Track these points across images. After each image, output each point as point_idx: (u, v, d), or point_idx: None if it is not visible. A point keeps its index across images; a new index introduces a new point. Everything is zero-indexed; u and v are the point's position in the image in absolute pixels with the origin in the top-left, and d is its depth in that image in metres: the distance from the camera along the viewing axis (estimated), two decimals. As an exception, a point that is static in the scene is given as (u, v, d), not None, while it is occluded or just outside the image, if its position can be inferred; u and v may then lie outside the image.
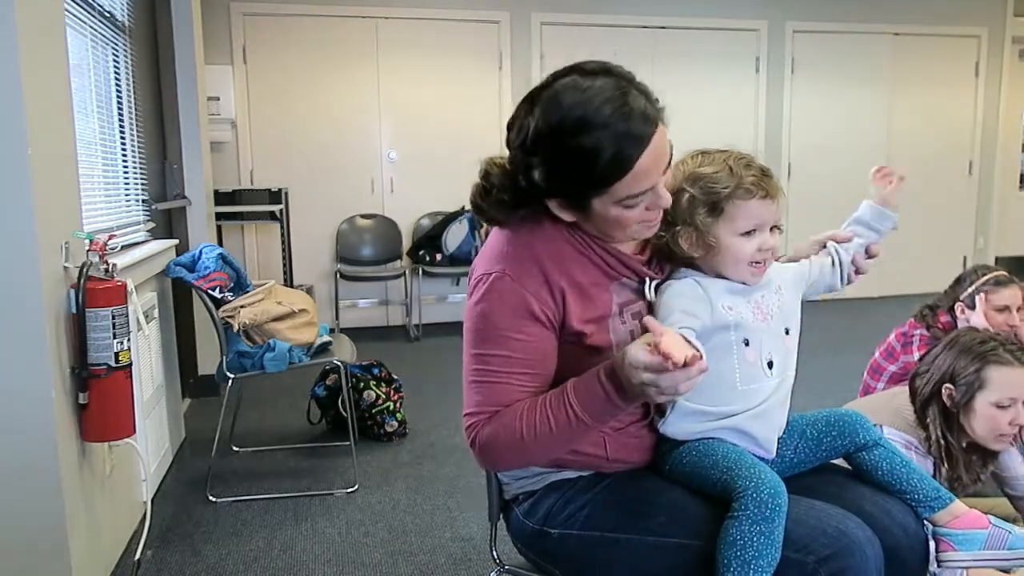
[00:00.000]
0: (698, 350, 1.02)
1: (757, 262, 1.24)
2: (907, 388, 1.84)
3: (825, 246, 1.42)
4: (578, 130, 1.10)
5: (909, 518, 1.26)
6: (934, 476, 1.71)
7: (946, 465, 1.70)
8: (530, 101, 1.17)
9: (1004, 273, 2.30)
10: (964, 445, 1.73)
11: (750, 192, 1.21)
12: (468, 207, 6.01)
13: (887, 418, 1.78)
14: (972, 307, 2.26)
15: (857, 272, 1.42)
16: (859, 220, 1.43)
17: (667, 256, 1.29)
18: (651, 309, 1.26)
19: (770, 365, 1.27)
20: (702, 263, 1.26)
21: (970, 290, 2.27)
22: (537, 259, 1.21)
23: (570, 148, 1.11)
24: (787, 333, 1.31)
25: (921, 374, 1.79)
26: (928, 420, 1.73)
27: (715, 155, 1.26)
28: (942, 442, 1.70)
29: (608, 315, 1.23)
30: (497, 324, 1.19)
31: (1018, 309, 2.24)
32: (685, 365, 0.98)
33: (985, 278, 2.27)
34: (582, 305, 1.22)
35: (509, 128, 1.21)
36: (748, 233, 1.22)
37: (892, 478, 1.28)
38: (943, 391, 1.72)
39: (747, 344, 1.24)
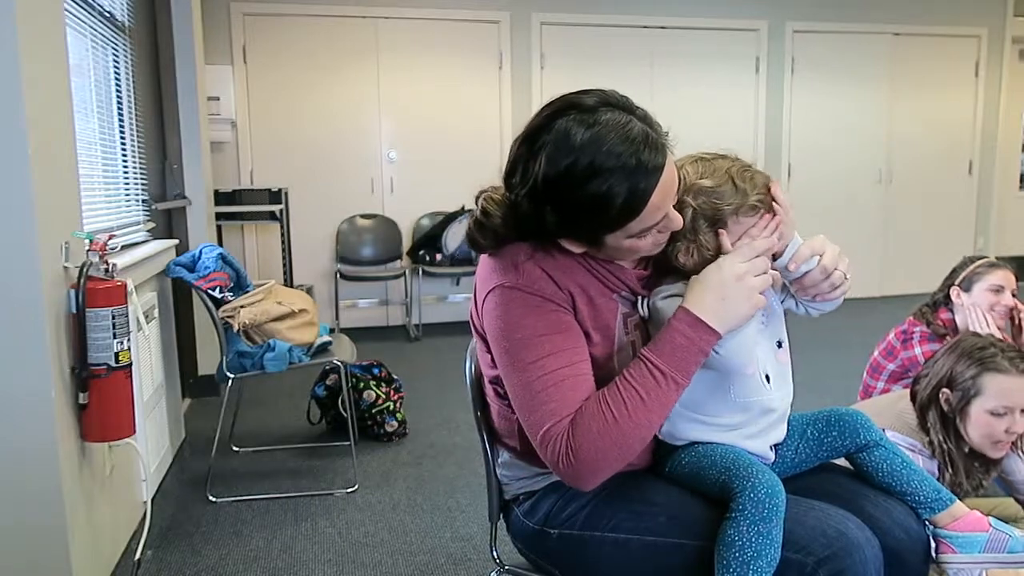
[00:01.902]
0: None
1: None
2: (910, 391, 1.84)
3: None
4: (589, 177, 1.07)
5: (910, 519, 1.26)
6: (938, 480, 1.70)
7: (950, 470, 1.69)
8: (529, 142, 1.13)
9: (995, 259, 2.36)
10: (967, 451, 1.73)
11: (755, 209, 1.18)
12: (468, 207, 6.00)
13: (890, 421, 1.78)
14: (967, 290, 2.29)
15: (817, 294, 1.28)
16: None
17: (667, 269, 1.26)
18: (646, 324, 1.26)
19: (767, 379, 1.26)
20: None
21: (964, 274, 2.32)
22: (542, 267, 1.20)
23: (582, 195, 1.09)
24: (779, 347, 1.31)
25: (922, 377, 1.79)
26: (929, 424, 1.72)
27: (715, 163, 1.21)
28: (944, 447, 1.70)
29: (610, 325, 1.23)
30: (529, 326, 1.16)
31: (1013, 293, 2.28)
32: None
33: (978, 263, 2.33)
34: (589, 310, 1.21)
35: (510, 172, 1.16)
36: None
37: (893, 479, 1.28)
38: (941, 395, 1.72)
39: None
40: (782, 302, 1.33)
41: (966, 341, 1.76)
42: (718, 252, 1.19)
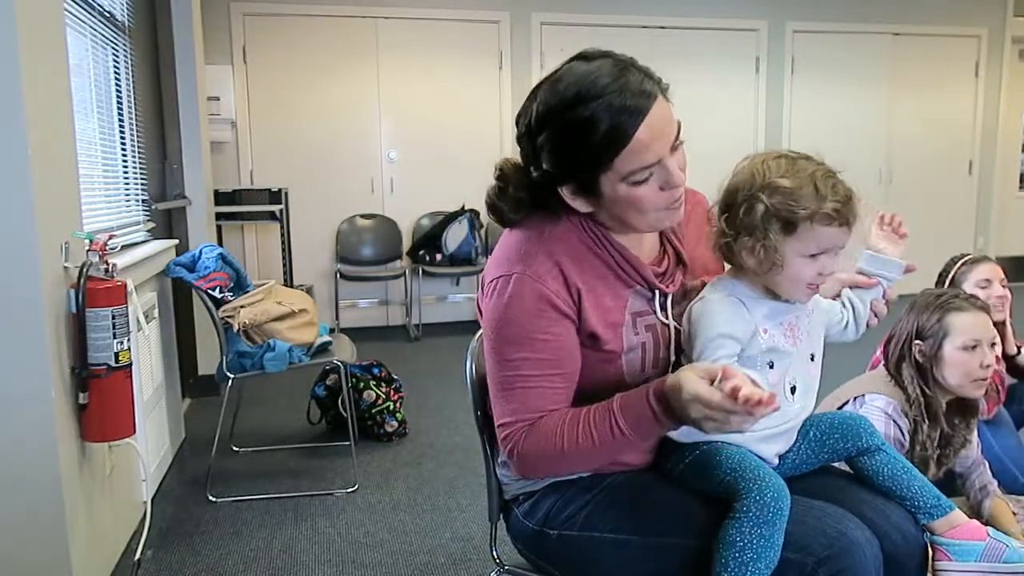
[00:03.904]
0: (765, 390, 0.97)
1: (813, 284, 1.19)
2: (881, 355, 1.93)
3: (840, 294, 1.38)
4: (575, 103, 1.11)
5: (908, 524, 1.26)
6: (913, 439, 1.76)
7: (927, 422, 1.76)
8: (533, 89, 1.19)
9: (978, 253, 2.39)
10: (945, 407, 1.81)
11: (830, 219, 1.13)
12: (468, 207, 5.97)
13: (867, 387, 1.85)
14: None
15: (875, 316, 1.38)
16: (864, 271, 1.37)
17: (725, 258, 1.24)
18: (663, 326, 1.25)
19: (792, 390, 1.25)
20: (756, 277, 1.21)
21: (951, 275, 2.33)
22: (554, 257, 1.20)
23: (568, 121, 1.12)
24: (812, 359, 1.29)
25: (891, 340, 1.88)
26: (905, 381, 1.80)
27: (799, 163, 1.17)
28: (921, 400, 1.77)
29: (621, 322, 1.23)
30: (522, 326, 1.17)
31: (1003, 284, 2.29)
32: (755, 404, 0.94)
33: (961, 262, 2.34)
34: (597, 309, 1.21)
35: (517, 122, 1.21)
36: (813, 255, 1.16)
37: (893, 483, 1.28)
38: (913, 348, 1.80)
39: (771, 367, 1.22)
40: (845, 327, 1.35)
41: (923, 296, 1.87)
42: (784, 258, 1.16)
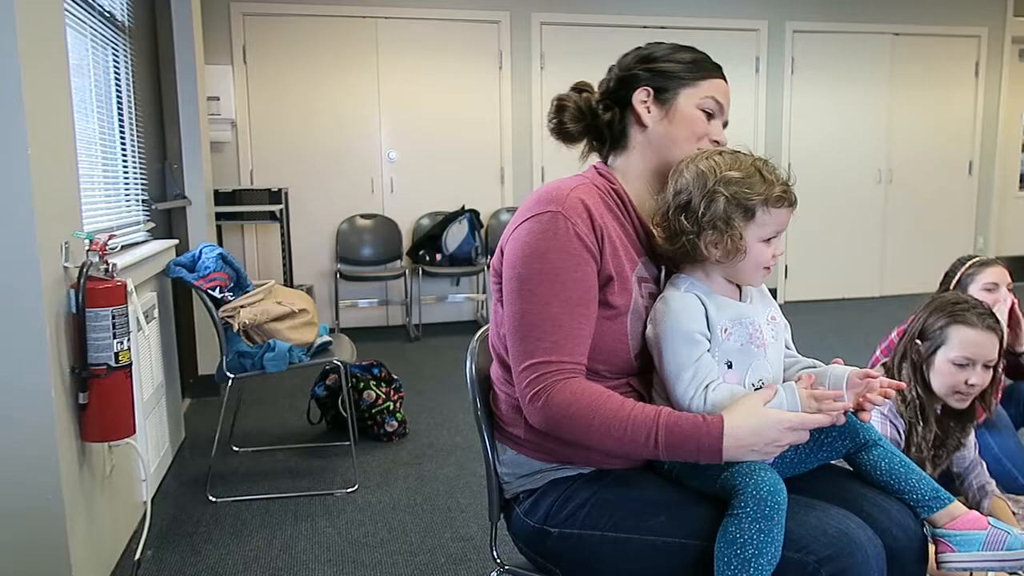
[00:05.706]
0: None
1: (768, 266, 1.26)
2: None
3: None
4: (672, 46, 1.36)
5: (908, 518, 1.26)
6: (908, 440, 1.77)
7: (921, 424, 1.76)
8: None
9: (986, 256, 2.38)
10: (940, 411, 1.81)
11: (781, 200, 1.22)
12: (468, 207, 5.97)
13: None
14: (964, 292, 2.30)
15: None
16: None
17: (684, 256, 1.28)
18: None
19: (756, 390, 1.26)
20: (720, 268, 1.26)
21: (957, 276, 2.33)
22: (583, 203, 1.25)
23: (676, 48, 1.36)
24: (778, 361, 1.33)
25: (902, 337, 1.88)
26: (901, 379, 1.79)
27: (740, 156, 1.25)
28: (916, 402, 1.77)
29: (629, 278, 1.28)
30: (553, 262, 1.20)
31: (1009, 288, 2.28)
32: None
33: (969, 263, 2.34)
34: (614, 255, 1.26)
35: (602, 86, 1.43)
36: (768, 239, 1.24)
37: (891, 478, 1.28)
38: (912, 346, 1.81)
39: (730, 367, 1.25)
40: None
41: (941, 297, 1.85)
42: (746, 242, 1.23)
